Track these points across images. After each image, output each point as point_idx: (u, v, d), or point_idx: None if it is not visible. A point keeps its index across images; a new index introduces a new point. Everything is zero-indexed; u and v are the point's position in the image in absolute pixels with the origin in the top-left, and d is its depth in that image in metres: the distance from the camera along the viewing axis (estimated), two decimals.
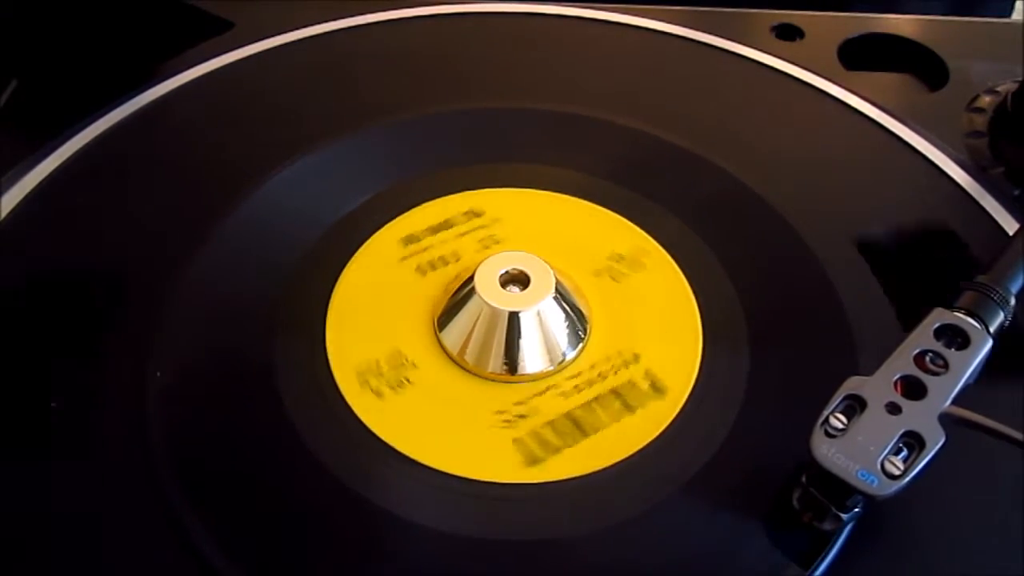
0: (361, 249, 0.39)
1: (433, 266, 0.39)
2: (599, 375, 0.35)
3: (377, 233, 0.40)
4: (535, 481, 0.32)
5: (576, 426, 0.34)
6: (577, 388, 0.35)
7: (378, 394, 0.34)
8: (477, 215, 0.41)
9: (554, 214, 0.41)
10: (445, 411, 0.34)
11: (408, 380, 0.35)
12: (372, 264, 0.39)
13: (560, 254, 0.38)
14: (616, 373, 0.35)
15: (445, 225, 0.40)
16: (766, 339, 0.36)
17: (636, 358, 0.36)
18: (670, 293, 0.38)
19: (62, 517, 0.31)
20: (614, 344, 0.36)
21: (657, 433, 0.33)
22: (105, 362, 0.35)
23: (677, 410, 0.34)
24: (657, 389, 0.35)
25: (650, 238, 0.40)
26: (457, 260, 0.39)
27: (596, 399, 0.34)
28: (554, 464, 0.33)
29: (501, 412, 0.34)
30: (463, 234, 0.40)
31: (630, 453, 0.33)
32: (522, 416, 0.34)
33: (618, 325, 0.37)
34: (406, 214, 0.41)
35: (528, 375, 0.35)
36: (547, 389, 0.35)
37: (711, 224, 0.40)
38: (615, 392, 0.35)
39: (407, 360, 0.36)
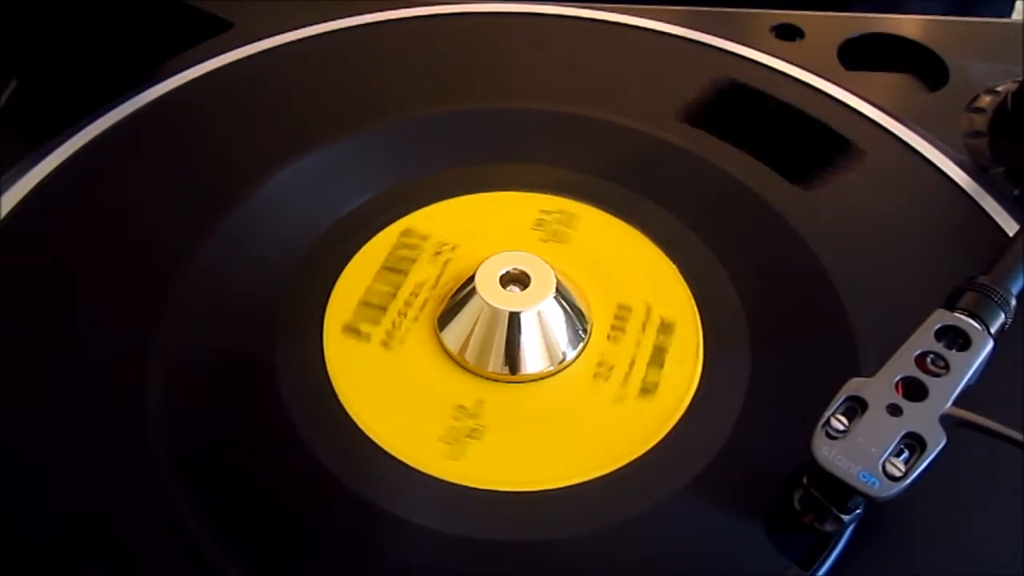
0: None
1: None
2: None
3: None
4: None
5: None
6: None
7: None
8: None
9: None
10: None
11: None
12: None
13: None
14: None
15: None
16: (766, 340, 0.36)
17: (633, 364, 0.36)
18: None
19: (62, 517, 0.31)
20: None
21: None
22: (105, 362, 0.35)
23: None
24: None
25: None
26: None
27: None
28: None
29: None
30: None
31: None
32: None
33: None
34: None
35: (528, 375, 0.35)
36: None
37: (711, 224, 0.40)
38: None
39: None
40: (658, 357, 0.36)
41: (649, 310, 0.37)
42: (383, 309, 0.37)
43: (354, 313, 0.37)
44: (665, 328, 0.37)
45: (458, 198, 0.41)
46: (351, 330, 0.36)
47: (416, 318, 0.37)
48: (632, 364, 0.36)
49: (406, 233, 0.40)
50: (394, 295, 0.38)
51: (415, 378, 0.35)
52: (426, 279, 0.38)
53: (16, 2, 0.47)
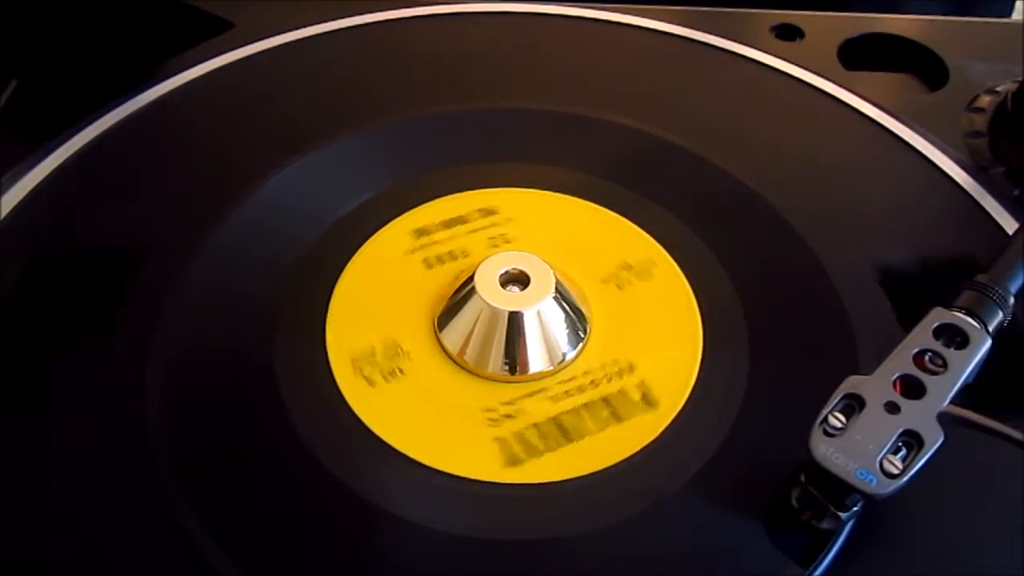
0: (365, 245, 0.39)
1: (441, 260, 0.39)
2: (591, 382, 0.35)
3: (383, 229, 0.40)
4: (515, 481, 0.32)
5: (561, 431, 0.34)
6: (568, 393, 0.35)
7: (371, 382, 0.35)
8: (491, 213, 0.41)
9: (565, 216, 0.41)
10: (433, 403, 0.34)
11: (401, 371, 0.35)
12: (378, 258, 0.39)
13: (568, 258, 0.39)
14: (609, 381, 0.35)
15: (459, 221, 0.41)
16: (766, 338, 0.36)
17: (631, 368, 0.36)
18: (672, 298, 0.38)
19: (62, 517, 0.31)
20: (611, 352, 0.36)
21: (642, 446, 0.33)
22: (105, 362, 0.35)
23: (667, 422, 0.34)
24: (648, 402, 0.34)
25: (655, 242, 0.40)
26: (466, 256, 0.39)
27: (585, 406, 0.34)
28: (534, 467, 0.33)
29: (489, 410, 0.34)
30: (475, 231, 0.40)
31: (615, 461, 0.33)
32: (508, 416, 0.34)
33: (618, 333, 0.37)
34: (418, 208, 0.41)
35: (528, 375, 0.35)
36: (539, 391, 0.35)
37: (711, 224, 0.40)
38: (605, 400, 0.35)
39: (402, 350, 0.36)
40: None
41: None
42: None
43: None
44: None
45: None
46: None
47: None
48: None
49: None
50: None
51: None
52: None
53: (16, 2, 0.47)
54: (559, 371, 0.35)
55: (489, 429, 0.34)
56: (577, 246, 0.40)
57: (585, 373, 0.35)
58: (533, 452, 0.33)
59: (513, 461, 0.33)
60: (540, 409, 0.34)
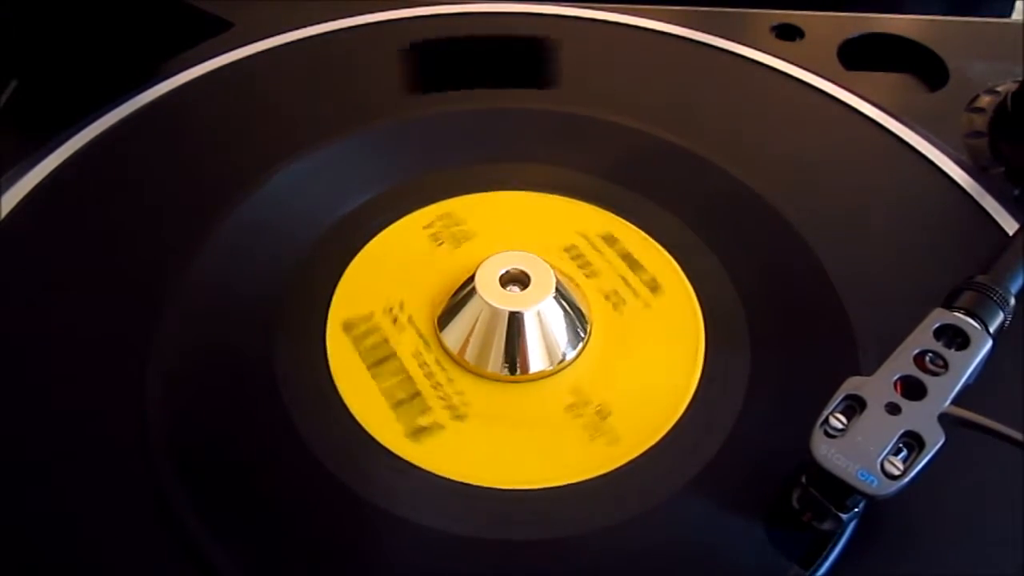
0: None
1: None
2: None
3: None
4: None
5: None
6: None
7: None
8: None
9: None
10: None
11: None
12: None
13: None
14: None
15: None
16: (766, 339, 0.36)
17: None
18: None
19: (62, 517, 0.31)
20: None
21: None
22: (105, 362, 0.35)
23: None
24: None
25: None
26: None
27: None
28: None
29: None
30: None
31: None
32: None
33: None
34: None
35: (528, 375, 0.35)
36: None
37: (711, 224, 0.40)
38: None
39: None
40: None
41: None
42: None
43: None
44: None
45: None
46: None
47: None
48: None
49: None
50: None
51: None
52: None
53: (16, 2, 0.47)
54: (557, 371, 0.35)
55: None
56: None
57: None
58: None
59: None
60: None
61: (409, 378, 0.35)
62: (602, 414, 0.34)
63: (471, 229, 0.40)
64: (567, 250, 0.39)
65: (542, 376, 0.35)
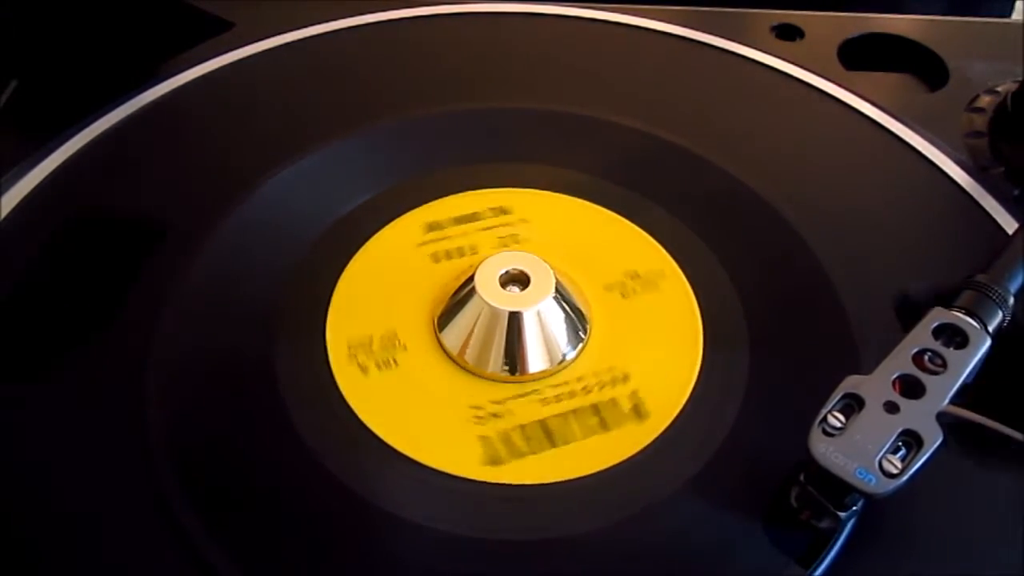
0: (369, 242, 0.40)
1: (450, 256, 0.39)
2: (583, 388, 0.35)
3: (387, 227, 0.40)
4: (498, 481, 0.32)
5: (546, 435, 0.34)
6: (558, 398, 0.35)
7: (364, 369, 0.35)
8: (505, 212, 0.41)
9: (568, 217, 0.41)
10: (422, 396, 0.35)
11: (395, 361, 0.35)
12: (382, 254, 0.39)
13: (572, 261, 0.39)
14: (601, 389, 0.35)
15: (472, 218, 0.41)
16: (766, 338, 0.36)
17: (625, 378, 0.35)
18: (673, 296, 0.38)
19: (62, 517, 0.31)
20: (607, 360, 0.36)
21: (656, 436, 0.33)
22: (105, 362, 0.35)
23: (667, 422, 0.34)
24: (639, 413, 0.34)
25: (655, 243, 0.40)
26: (475, 253, 0.39)
27: (574, 412, 0.34)
28: (515, 468, 0.33)
29: (476, 407, 0.34)
30: (486, 228, 0.40)
31: (616, 460, 0.33)
32: (495, 415, 0.34)
33: (617, 342, 0.37)
34: (427, 205, 0.41)
35: (528, 375, 0.35)
36: (530, 392, 0.35)
37: (711, 224, 0.40)
38: (594, 408, 0.34)
39: (399, 342, 0.36)
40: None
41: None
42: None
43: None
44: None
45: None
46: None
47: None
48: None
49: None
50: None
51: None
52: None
53: (16, 2, 0.47)
54: (561, 370, 0.35)
55: (475, 426, 0.34)
56: (581, 248, 0.40)
57: (579, 379, 0.35)
58: (515, 453, 0.33)
59: (494, 460, 0.33)
60: (528, 411, 0.34)
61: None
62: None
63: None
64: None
65: (542, 376, 0.35)
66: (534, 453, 0.33)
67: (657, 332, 0.37)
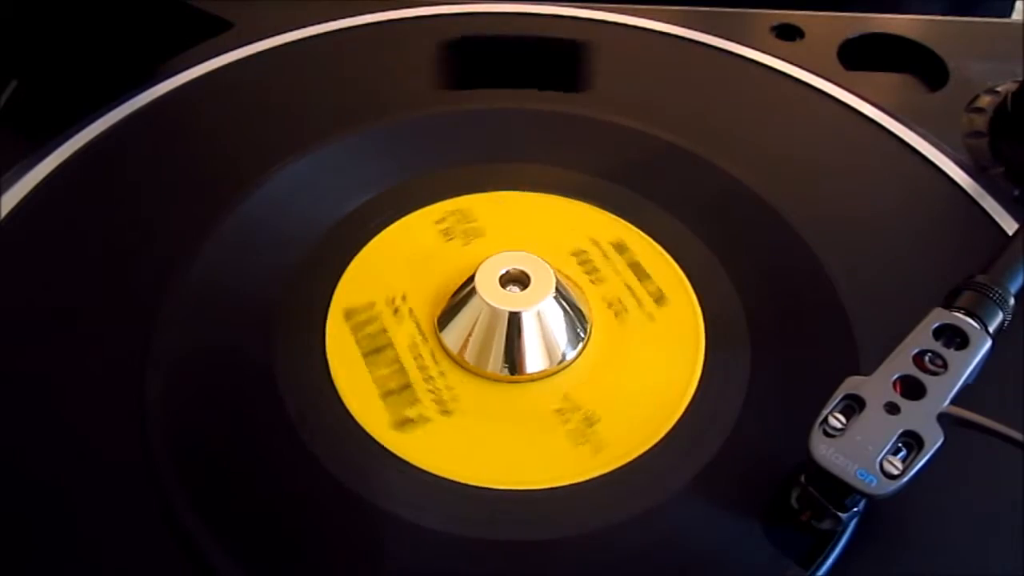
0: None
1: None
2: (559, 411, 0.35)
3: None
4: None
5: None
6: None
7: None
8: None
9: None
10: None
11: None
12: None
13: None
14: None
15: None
16: (766, 339, 0.36)
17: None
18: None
19: (62, 517, 0.31)
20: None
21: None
22: (105, 362, 0.35)
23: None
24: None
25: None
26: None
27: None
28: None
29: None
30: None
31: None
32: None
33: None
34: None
35: (528, 375, 0.35)
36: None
37: (711, 224, 0.40)
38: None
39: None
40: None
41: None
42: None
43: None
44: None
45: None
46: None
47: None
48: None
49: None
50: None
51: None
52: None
53: (16, 2, 0.47)
54: (557, 371, 0.35)
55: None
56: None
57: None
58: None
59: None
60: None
61: (402, 369, 0.35)
62: (589, 421, 0.34)
63: (482, 226, 0.40)
64: (575, 254, 0.39)
65: (542, 376, 0.35)
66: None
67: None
